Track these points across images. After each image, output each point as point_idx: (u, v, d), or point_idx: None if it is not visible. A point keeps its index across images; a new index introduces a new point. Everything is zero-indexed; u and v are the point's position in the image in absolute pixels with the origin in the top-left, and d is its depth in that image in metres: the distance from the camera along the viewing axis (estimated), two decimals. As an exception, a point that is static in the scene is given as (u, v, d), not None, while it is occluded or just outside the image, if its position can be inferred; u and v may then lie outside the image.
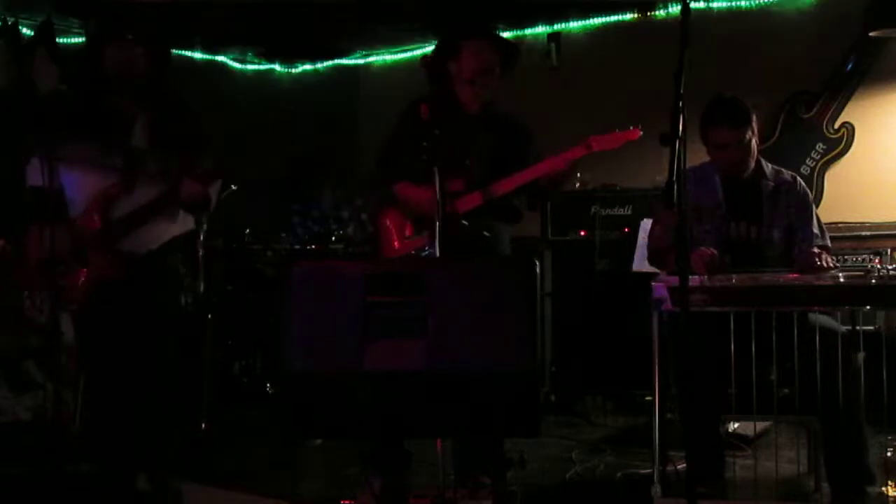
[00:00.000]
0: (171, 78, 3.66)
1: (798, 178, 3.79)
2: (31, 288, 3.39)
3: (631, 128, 3.65)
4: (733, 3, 5.85)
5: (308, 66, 7.54)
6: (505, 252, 3.87)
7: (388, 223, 3.82)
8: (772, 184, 3.73)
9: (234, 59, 7.25)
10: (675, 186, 2.34)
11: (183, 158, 3.35)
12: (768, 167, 3.77)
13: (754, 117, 3.64)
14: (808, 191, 3.81)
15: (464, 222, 3.64)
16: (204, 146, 3.48)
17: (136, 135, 3.41)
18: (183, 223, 3.53)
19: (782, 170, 3.81)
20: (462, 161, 3.69)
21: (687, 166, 2.45)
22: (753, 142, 3.66)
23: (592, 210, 5.50)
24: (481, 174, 3.72)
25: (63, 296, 3.25)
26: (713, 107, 3.64)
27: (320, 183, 6.16)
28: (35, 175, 3.31)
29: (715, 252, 3.44)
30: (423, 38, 6.86)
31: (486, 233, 3.71)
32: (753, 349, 3.19)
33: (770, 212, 3.69)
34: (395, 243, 3.78)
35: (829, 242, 3.70)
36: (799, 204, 3.71)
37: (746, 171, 3.70)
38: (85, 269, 3.31)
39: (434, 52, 3.80)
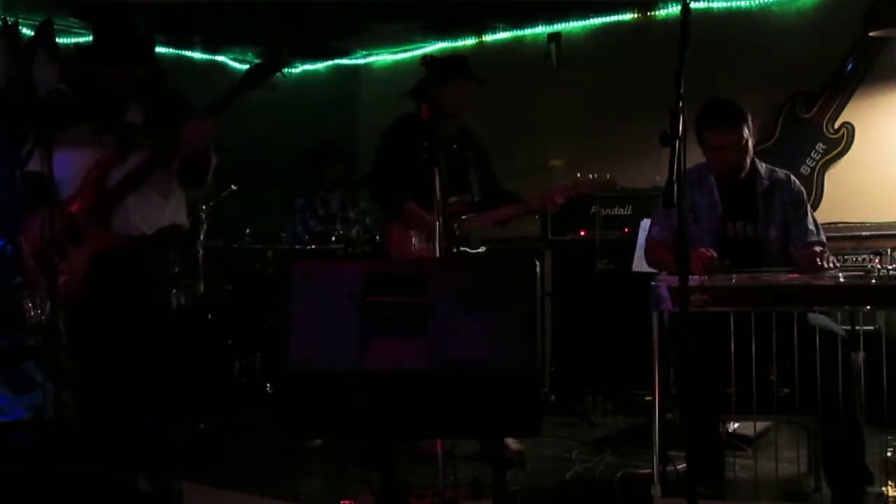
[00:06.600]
0: (166, 74, 3.70)
1: (792, 176, 3.80)
2: (31, 282, 3.37)
3: (608, 176, 4.31)
4: (733, 4, 5.85)
5: (308, 66, 7.55)
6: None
7: (394, 237, 4.22)
8: (766, 182, 3.73)
9: (234, 59, 7.25)
10: (675, 186, 2.34)
11: (175, 135, 3.32)
12: (762, 166, 3.78)
13: (749, 117, 3.65)
14: (803, 188, 3.81)
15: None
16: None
17: (130, 113, 3.41)
18: (177, 208, 3.51)
19: (776, 168, 3.81)
20: (461, 183, 4.19)
21: (684, 167, 2.45)
22: (750, 142, 3.66)
23: (592, 210, 5.50)
24: (478, 193, 4.31)
25: (62, 283, 3.22)
26: (708, 109, 3.64)
27: (332, 184, 6.15)
28: (33, 163, 3.31)
29: (713, 253, 3.44)
30: (423, 38, 6.87)
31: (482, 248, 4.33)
32: (753, 349, 3.19)
33: (765, 210, 3.70)
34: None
35: (824, 239, 3.70)
36: (794, 201, 3.72)
37: (743, 172, 3.70)
38: (83, 251, 3.28)
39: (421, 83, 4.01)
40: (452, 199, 4.05)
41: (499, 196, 4.41)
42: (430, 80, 3.86)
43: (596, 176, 4.32)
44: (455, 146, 4.09)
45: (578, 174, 4.35)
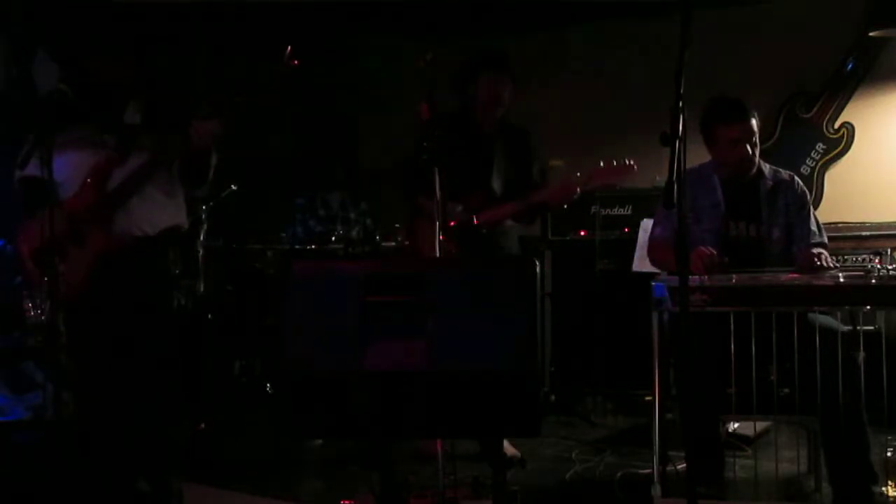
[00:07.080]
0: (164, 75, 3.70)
1: (795, 177, 3.80)
2: (31, 282, 3.37)
3: (630, 161, 4.15)
4: (734, 3, 5.85)
5: (308, 67, 7.53)
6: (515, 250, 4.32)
7: (420, 235, 4.11)
8: (770, 182, 3.74)
9: (237, 59, 7.23)
10: (675, 186, 2.34)
11: (175, 135, 3.32)
12: (766, 167, 3.78)
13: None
14: (806, 189, 3.81)
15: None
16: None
17: (129, 114, 3.42)
18: (178, 208, 3.50)
19: (780, 169, 3.82)
20: (483, 177, 4.16)
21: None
22: (757, 137, 3.67)
23: (592, 210, 5.50)
24: (500, 189, 4.21)
25: (62, 283, 3.22)
26: (719, 105, 3.66)
27: (331, 183, 6.15)
28: (32, 167, 3.31)
29: (714, 252, 3.44)
30: (423, 38, 6.85)
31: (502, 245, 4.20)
32: (753, 349, 3.19)
33: (769, 210, 3.70)
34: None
35: (826, 240, 3.70)
36: (797, 202, 3.72)
37: (754, 168, 3.71)
38: (83, 251, 3.28)
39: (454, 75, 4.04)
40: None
41: (519, 192, 4.24)
42: (465, 74, 3.86)
43: (616, 163, 4.13)
44: (485, 141, 4.18)
45: (603, 162, 4.20)
